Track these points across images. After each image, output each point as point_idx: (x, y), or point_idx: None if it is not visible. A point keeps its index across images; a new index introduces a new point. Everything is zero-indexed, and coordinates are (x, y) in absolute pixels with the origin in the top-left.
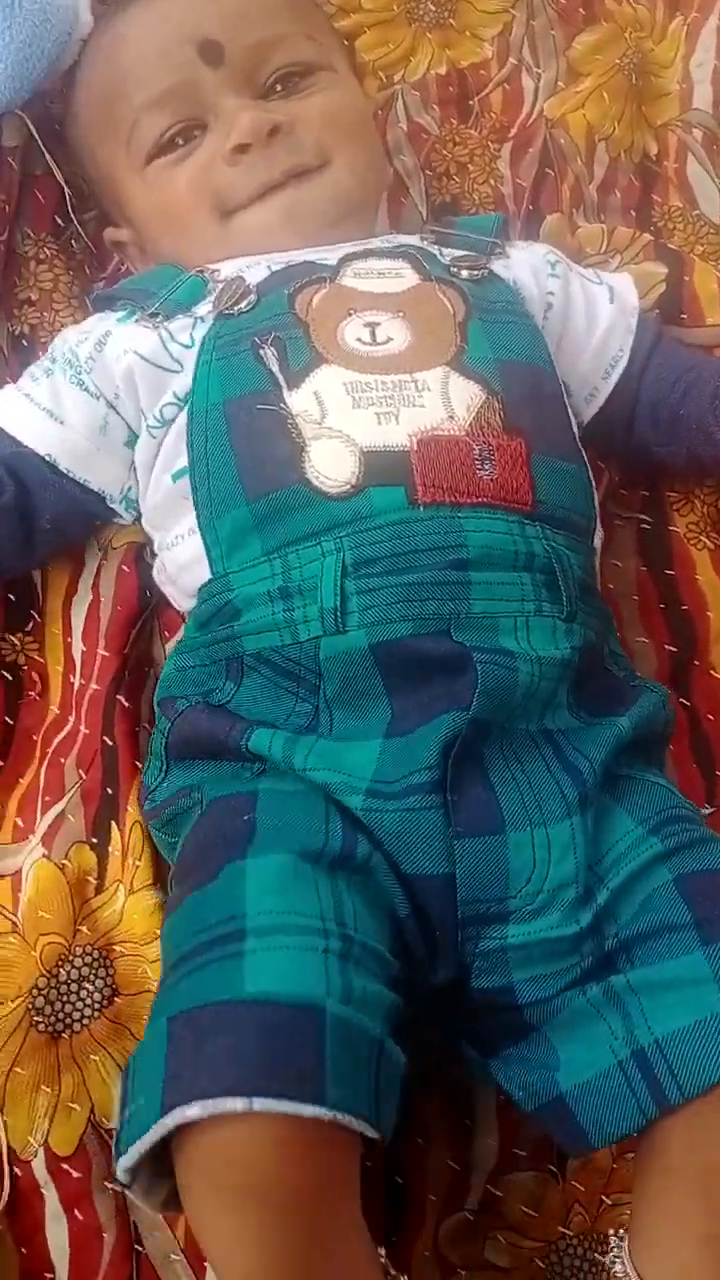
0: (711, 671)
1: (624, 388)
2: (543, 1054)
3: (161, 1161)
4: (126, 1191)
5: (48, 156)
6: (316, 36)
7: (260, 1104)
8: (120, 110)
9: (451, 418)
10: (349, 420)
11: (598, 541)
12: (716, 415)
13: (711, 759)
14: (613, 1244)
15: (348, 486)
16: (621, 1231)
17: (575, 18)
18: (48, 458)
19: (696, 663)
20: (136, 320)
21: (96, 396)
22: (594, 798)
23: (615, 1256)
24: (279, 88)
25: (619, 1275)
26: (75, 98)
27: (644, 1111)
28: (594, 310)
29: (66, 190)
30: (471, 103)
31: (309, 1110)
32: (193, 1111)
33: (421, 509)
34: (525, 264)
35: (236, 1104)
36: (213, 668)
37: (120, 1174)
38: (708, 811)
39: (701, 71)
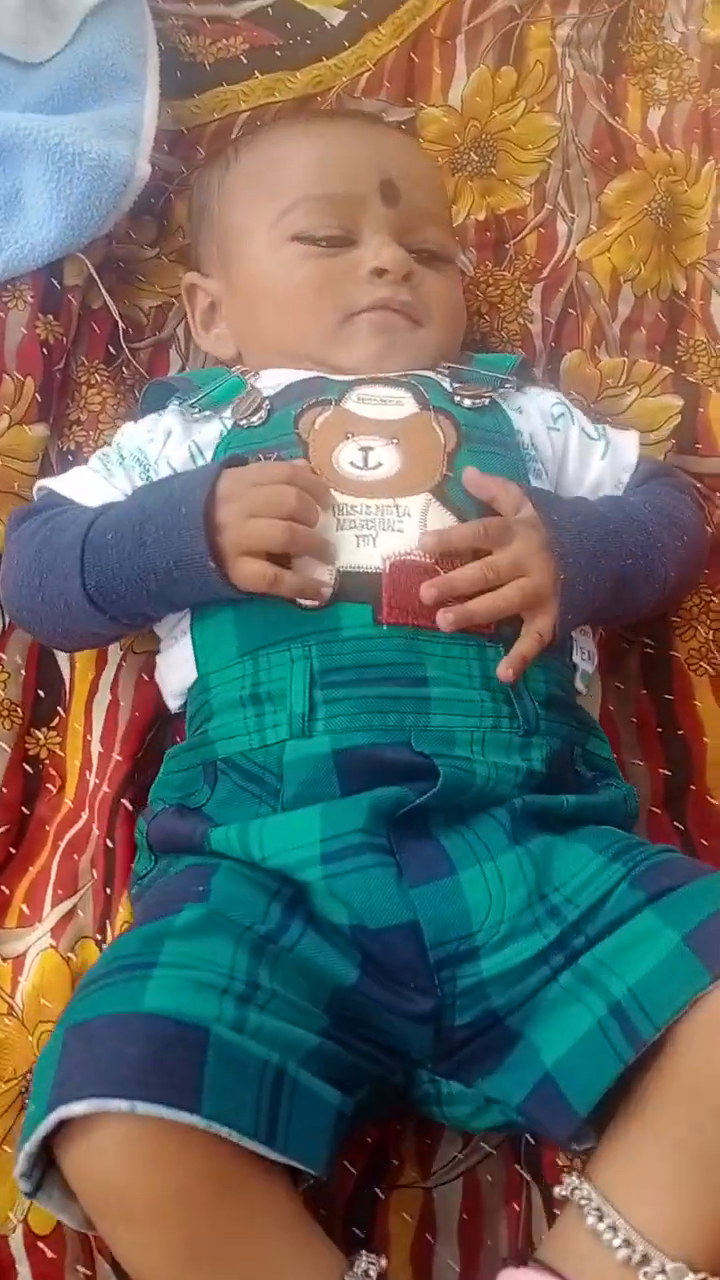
0: (707, 797)
1: None
2: (527, 1054)
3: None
4: (35, 1201)
5: (104, 293)
6: (449, 227)
7: (142, 1107)
8: (286, 186)
9: None
10: (331, 540)
11: (578, 658)
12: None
13: None
14: (567, 1182)
15: (319, 601)
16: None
17: (608, 165)
18: None
19: (692, 787)
20: (180, 410)
21: None
22: (524, 823)
23: (574, 1189)
24: (419, 256)
25: (580, 1199)
26: (239, 154)
27: (620, 1055)
28: (585, 464)
29: (121, 324)
30: (508, 246)
31: (184, 1117)
32: (79, 1108)
33: (385, 628)
34: (536, 413)
35: (121, 1104)
36: (192, 773)
37: (20, 1181)
38: None
39: None
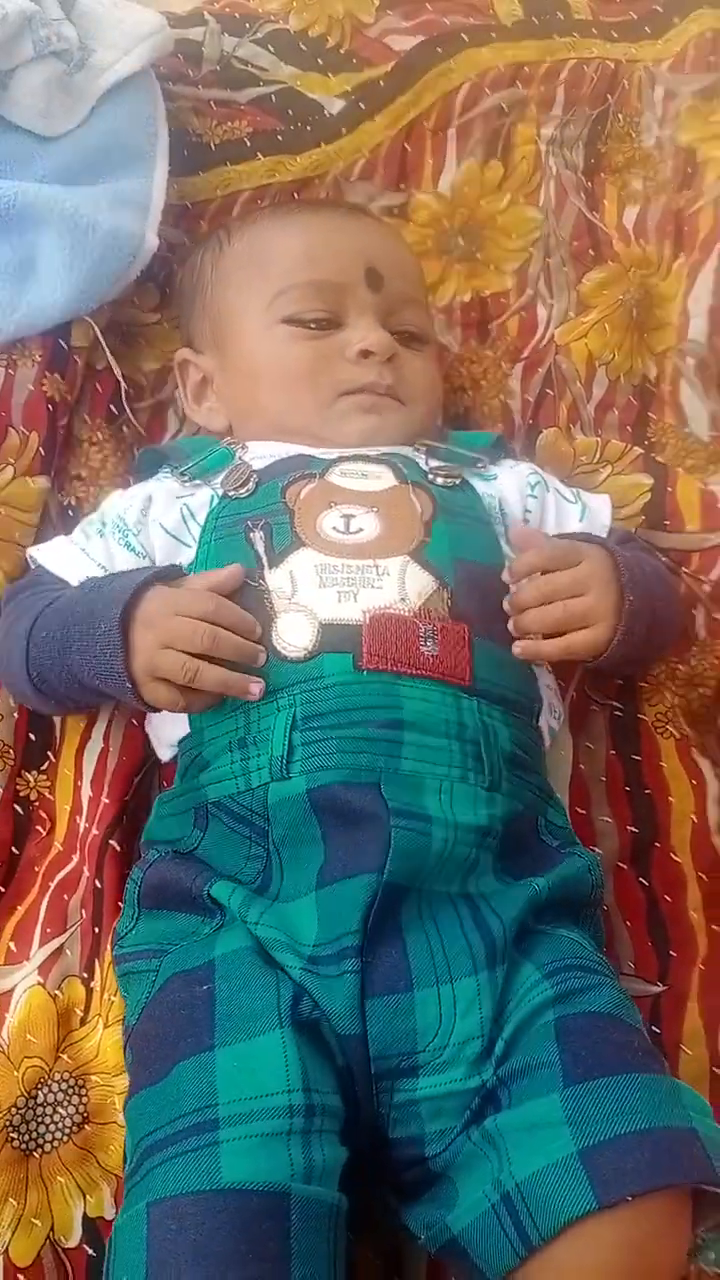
0: (671, 854)
1: None
2: (446, 1197)
3: None
4: None
5: (109, 355)
6: (427, 310)
7: None
8: (277, 272)
9: (404, 600)
10: (314, 597)
11: (545, 723)
12: None
13: (667, 939)
14: None
15: (304, 652)
16: None
17: (586, 257)
18: None
19: (657, 844)
20: (171, 478)
21: (142, 556)
22: (505, 955)
23: None
24: (400, 337)
25: None
26: (232, 239)
27: (516, 1252)
28: (562, 527)
29: (123, 384)
30: (490, 327)
31: None
32: None
33: (365, 674)
34: (512, 484)
35: None
36: (184, 816)
37: None
38: (658, 990)
39: (698, 306)
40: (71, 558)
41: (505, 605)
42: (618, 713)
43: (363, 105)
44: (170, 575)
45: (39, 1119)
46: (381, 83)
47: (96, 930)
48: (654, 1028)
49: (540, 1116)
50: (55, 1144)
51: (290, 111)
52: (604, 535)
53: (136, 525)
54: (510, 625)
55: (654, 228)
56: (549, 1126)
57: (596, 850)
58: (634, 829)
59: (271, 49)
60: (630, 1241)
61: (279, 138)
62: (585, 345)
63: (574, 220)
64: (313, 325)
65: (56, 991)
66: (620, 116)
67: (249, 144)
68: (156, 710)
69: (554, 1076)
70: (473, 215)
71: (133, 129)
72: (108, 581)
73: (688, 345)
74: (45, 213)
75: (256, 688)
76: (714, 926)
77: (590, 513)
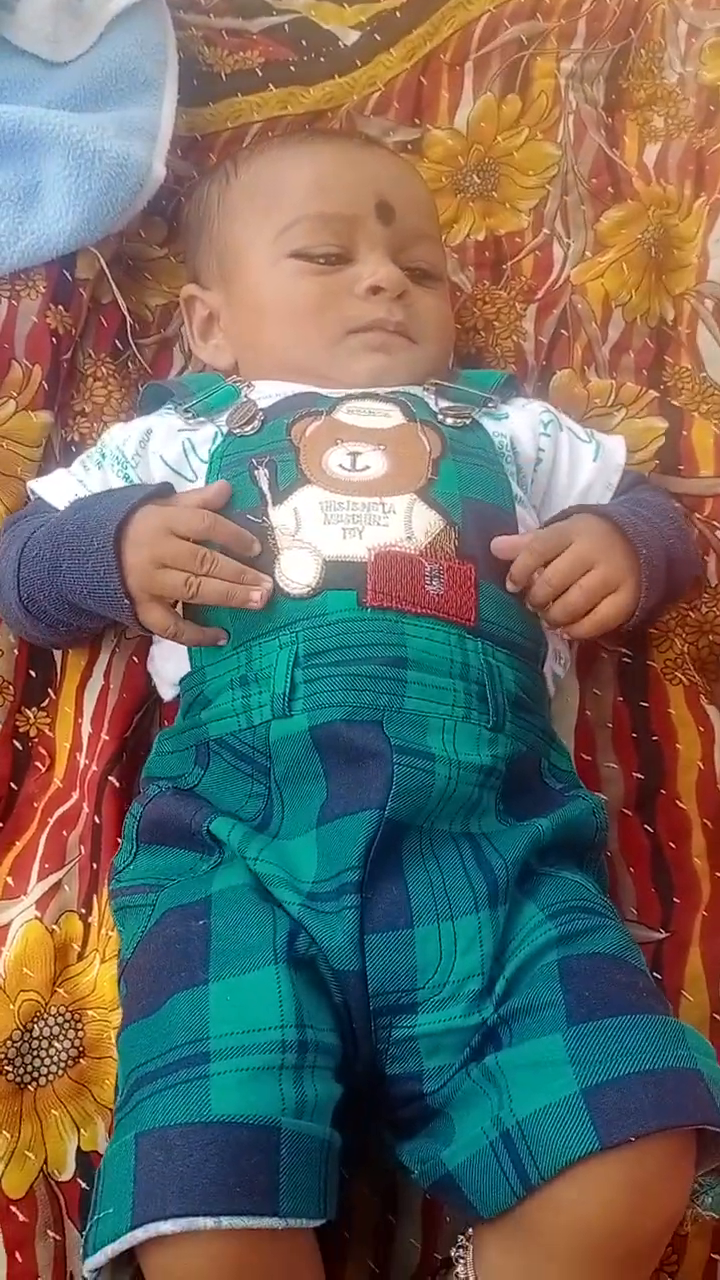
0: (677, 801)
1: None
2: (443, 1133)
3: (122, 1260)
4: None
5: (114, 288)
6: (440, 246)
7: (227, 1221)
8: (285, 204)
9: (410, 538)
10: (319, 534)
11: (550, 669)
12: None
13: (670, 885)
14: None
15: (307, 589)
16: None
17: (605, 195)
18: None
19: (663, 791)
20: (175, 414)
21: None
22: (506, 894)
23: (459, 1256)
24: (412, 274)
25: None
26: (239, 170)
27: (514, 1190)
28: (576, 466)
29: (129, 319)
30: (504, 267)
31: (267, 1222)
32: (167, 1227)
33: (369, 611)
34: (524, 422)
35: (207, 1222)
36: (186, 754)
37: (87, 1272)
38: (661, 936)
39: (718, 247)
40: (69, 489)
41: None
42: (626, 659)
43: (378, 37)
44: (162, 494)
45: (34, 1052)
46: (398, 14)
47: (95, 866)
48: (655, 974)
49: (543, 1055)
50: (50, 1078)
51: (304, 42)
52: (617, 475)
53: (135, 458)
54: (544, 627)
55: (675, 166)
56: (551, 1065)
57: (601, 796)
58: (639, 775)
59: None
60: (632, 1182)
61: (291, 69)
62: (602, 285)
63: (593, 157)
64: (321, 260)
65: (54, 926)
66: (643, 52)
67: (260, 74)
68: (147, 632)
69: (558, 1016)
70: (489, 152)
71: (142, 56)
72: (96, 500)
73: (706, 286)
74: (50, 139)
75: (258, 594)
76: (718, 873)
77: (605, 452)
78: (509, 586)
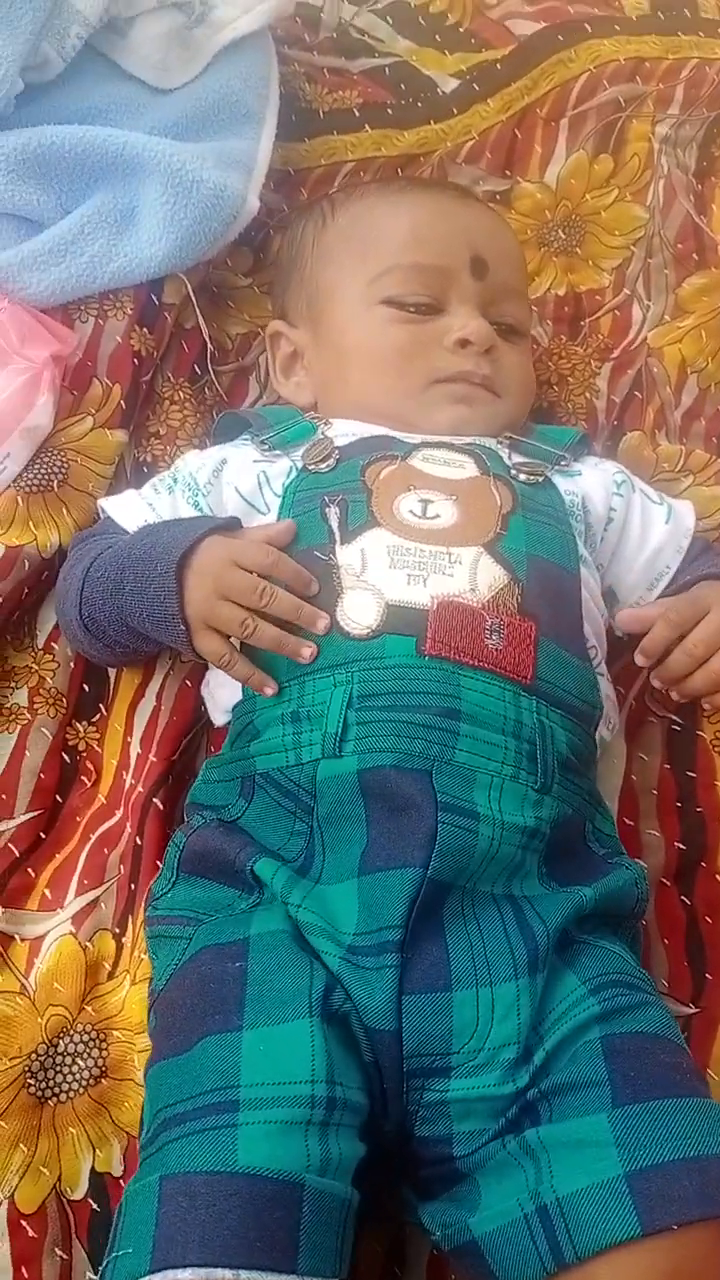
0: (717, 875)
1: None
2: (470, 1199)
3: None
4: None
5: (198, 315)
6: (528, 302)
7: (246, 1275)
8: (381, 251)
9: (473, 590)
10: (383, 577)
11: (603, 732)
12: None
13: (704, 960)
14: None
15: (367, 631)
16: None
17: (689, 261)
18: None
19: (703, 864)
20: (251, 445)
21: None
22: (546, 961)
23: None
24: (499, 329)
25: None
26: (336, 213)
27: (545, 1266)
28: (648, 529)
29: (210, 345)
30: (583, 323)
31: (284, 1279)
32: (185, 1275)
33: (427, 659)
34: (597, 481)
35: (226, 1274)
36: (232, 784)
37: None
38: (691, 1011)
39: None
40: (138, 511)
41: (655, 683)
42: (675, 727)
43: (477, 86)
44: (229, 527)
45: (58, 1067)
46: (499, 65)
47: (133, 887)
48: None
49: (586, 1135)
50: (71, 1095)
51: (403, 86)
52: (688, 539)
53: (207, 486)
54: (675, 696)
55: None
56: (596, 1146)
57: (642, 863)
58: (681, 845)
59: (390, 20)
60: (671, 1270)
61: (389, 111)
62: (679, 350)
63: (680, 222)
64: (413, 309)
65: (87, 943)
66: None
67: (358, 114)
68: (201, 660)
69: (603, 1096)
70: (576, 209)
71: (245, 89)
72: (165, 528)
73: None
74: (151, 165)
75: (308, 651)
76: None
77: (676, 515)
78: (639, 660)
